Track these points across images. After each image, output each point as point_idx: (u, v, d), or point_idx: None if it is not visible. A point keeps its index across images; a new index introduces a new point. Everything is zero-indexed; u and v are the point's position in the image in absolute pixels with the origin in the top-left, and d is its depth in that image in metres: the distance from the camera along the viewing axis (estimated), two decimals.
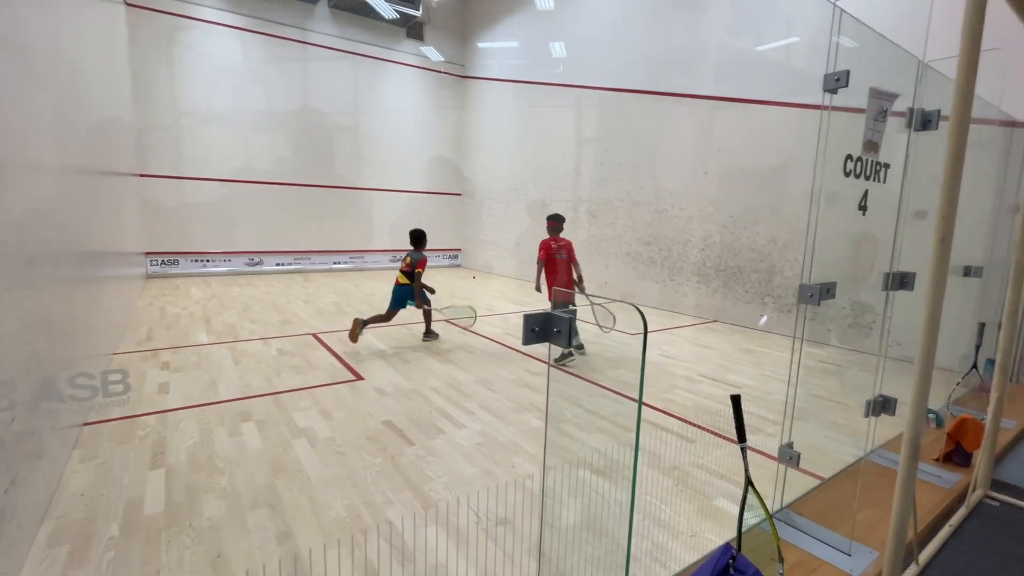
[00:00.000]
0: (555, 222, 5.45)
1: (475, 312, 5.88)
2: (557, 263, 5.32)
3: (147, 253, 9.88)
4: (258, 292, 8.81)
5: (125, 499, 2.45)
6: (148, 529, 2.23)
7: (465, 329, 6.34)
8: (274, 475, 2.70)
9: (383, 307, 7.72)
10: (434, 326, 6.05)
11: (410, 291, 5.61)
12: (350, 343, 5.45)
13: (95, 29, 5.30)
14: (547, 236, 5.40)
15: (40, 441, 2.33)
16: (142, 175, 9.64)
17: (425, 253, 5.74)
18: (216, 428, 3.26)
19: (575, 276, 5.45)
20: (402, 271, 5.63)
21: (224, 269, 10.76)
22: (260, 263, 11.19)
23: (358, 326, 5.33)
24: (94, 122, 4.79)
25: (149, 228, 9.80)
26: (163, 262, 10.12)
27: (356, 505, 2.45)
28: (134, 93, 9.11)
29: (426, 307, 5.74)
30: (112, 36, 6.77)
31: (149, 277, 9.92)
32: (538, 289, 5.35)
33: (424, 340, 5.83)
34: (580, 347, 5.38)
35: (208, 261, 10.60)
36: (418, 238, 5.76)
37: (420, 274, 5.60)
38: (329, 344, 5.48)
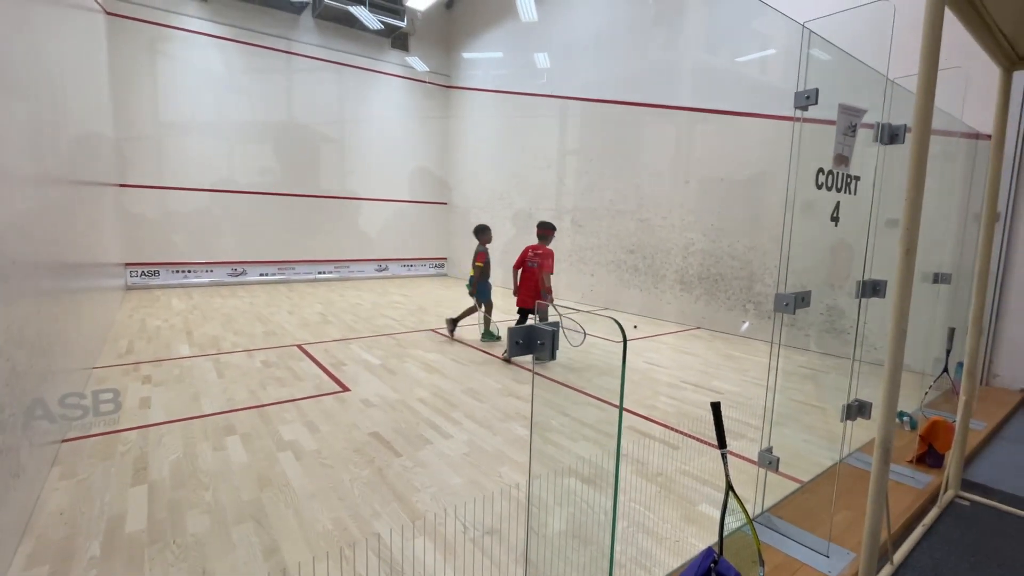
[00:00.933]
0: (540, 229, 5.68)
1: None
2: (527, 271, 5.58)
3: (127, 264, 9.72)
4: (241, 303, 8.71)
5: (106, 516, 2.41)
6: (130, 547, 2.20)
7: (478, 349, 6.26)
8: (259, 489, 2.68)
9: (369, 317, 7.72)
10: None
11: (472, 280, 6.15)
12: (335, 354, 5.47)
13: (74, 39, 5.25)
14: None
15: (18, 458, 2.29)
16: (122, 185, 9.50)
17: (487, 246, 6.25)
18: (200, 443, 3.23)
19: (545, 286, 5.58)
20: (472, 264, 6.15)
21: (206, 280, 10.61)
22: (243, 273, 11.07)
23: (451, 326, 6.28)
24: (73, 132, 4.73)
25: (129, 239, 9.65)
26: (143, 273, 9.95)
27: (343, 518, 2.44)
28: (115, 103, 9.00)
29: (476, 306, 6.21)
30: (92, 46, 6.70)
31: (129, 288, 9.74)
32: (515, 294, 5.77)
33: (482, 340, 6.24)
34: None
35: (190, 272, 10.45)
36: (476, 231, 6.29)
37: (478, 267, 6.04)
38: (314, 355, 5.44)
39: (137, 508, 2.49)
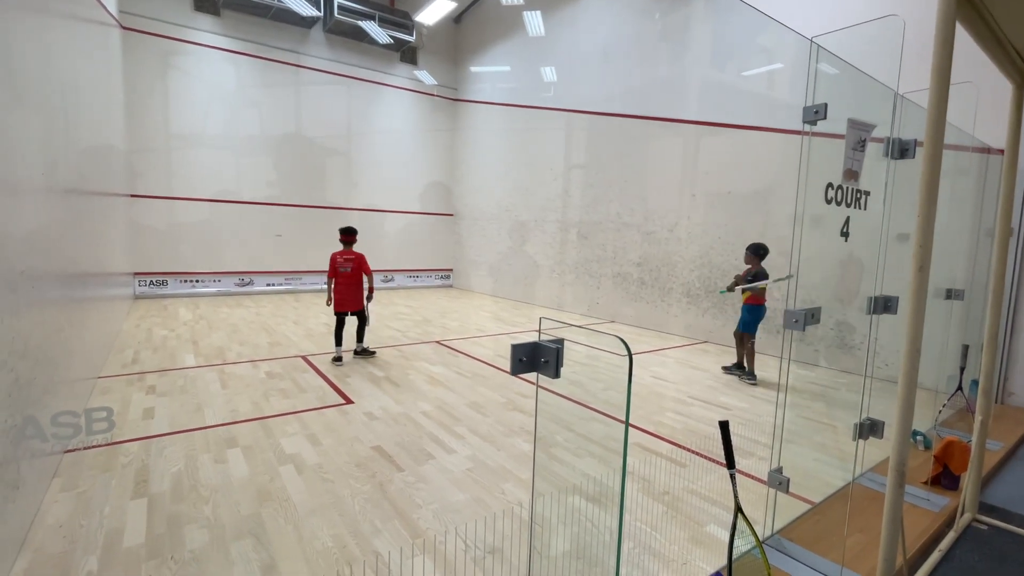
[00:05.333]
0: (344, 235, 5.94)
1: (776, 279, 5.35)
2: (341, 276, 5.74)
3: (135, 273, 9.80)
4: (247, 313, 8.74)
5: (105, 530, 2.39)
6: (128, 562, 2.17)
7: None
8: (259, 504, 2.65)
9: (374, 329, 7.70)
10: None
11: (749, 310, 5.37)
12: (334, 365, 5.47)
13: (89, 52, 5.34)
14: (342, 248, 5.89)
15: (19, 470, 2.27)
16: (133, 195, 9.61)
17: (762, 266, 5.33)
18: (201, 455, 3.21)
19: (365, 288, 5.88)
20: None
21: (213, 290, 10.67)
22: (250, 283, 11.12)
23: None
24: (85, 143, 4.80)
25: (139, 248, 9.74)
26: (152, 283, 10.02)
27: (343, 535, 2.40)
28: (127, 115, 9.14)
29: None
30: (106, 59, 6.82)
31: (137, 298, 9.81)
32: (328, 302, 5.82)
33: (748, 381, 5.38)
34: (372, 353, 5.99)
35: (197, 281, 10.52)
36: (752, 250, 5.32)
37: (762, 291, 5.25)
38: (318, 366, 5.43)
39: (136, 522, 2.47)
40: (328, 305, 5.78)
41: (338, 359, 5.63)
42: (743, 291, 5.34)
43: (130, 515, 2.52)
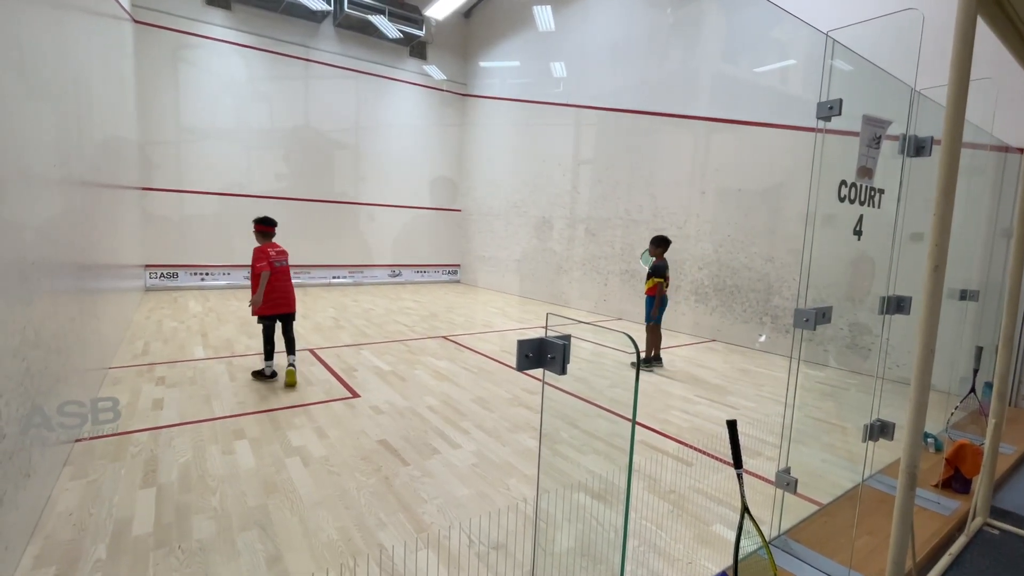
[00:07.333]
0: (268, 226, 4.85)
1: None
2: (278, 271, 4.69)
3: (146, 266, 9.89)
4: None
5: (114, 519, 2.42)
6: (136, 550, 2.19)
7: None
8: (266, 495, 2.67)
9: (381, 323, 7.73)
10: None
11: (650, 301, 5.75)
12: (346, 359, 5.48)
13: (102, 46, 5.38)
14: (260, 244, 4.76)
15: (30, 458, 2.30)
16: (145, 188, 9.70)
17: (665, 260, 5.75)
18: (209, 446, 3.23)
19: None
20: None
21: (223, 283, 10.75)
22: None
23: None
24: (98, 136, 4.84)
25: (150, 241, 9.83)
26: (162, 275, 10.12)
27: (348, 528, 2.41)
28: (140, 108, 9.21)
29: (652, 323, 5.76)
30: (119, 52, 6.87)
31: (147, 290, 9.91)
32: (256, 303, 4.59)
33: (644, 367, 5.75)
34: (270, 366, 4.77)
35: (207, 274, 10.60)
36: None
37: (660, 283, 5.66)
38: (326, 360, 5.46)
39: (145, 511, 2.49)
40: (252, 305, 4.62)
41: (275, 374, 4.72)
42: (646, 281, 5.84)
43: (139, 504, 2.55)
